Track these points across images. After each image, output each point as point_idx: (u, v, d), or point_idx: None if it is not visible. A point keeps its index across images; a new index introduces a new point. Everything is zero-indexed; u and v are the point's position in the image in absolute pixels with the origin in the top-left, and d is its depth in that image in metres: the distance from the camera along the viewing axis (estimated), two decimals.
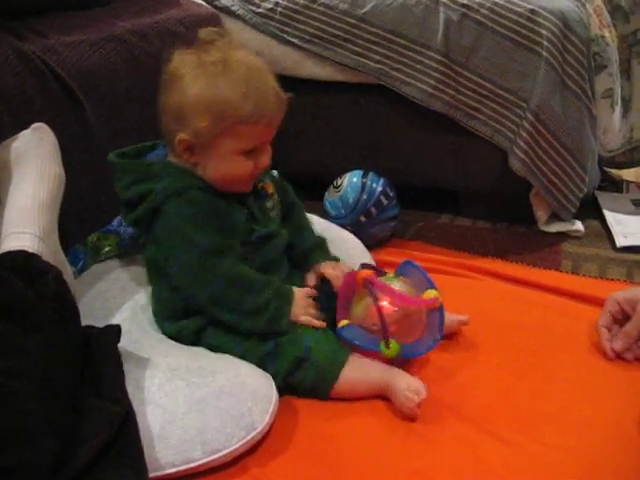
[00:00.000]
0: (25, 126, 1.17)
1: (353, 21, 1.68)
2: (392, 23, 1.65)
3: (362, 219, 1.60)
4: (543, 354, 1.23)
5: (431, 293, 1.17)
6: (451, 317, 1.24)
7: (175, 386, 1.00)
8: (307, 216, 1.36)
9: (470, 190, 1.81)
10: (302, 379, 1.09)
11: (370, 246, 1.52)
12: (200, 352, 1.11)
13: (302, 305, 1.13)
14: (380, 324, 1.10)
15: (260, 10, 1.76)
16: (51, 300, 0.97)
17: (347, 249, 1.40)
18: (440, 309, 1.17)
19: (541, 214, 1.71)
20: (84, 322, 1.11)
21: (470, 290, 1.46)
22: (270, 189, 1.22)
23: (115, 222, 1.30)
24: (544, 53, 1.56)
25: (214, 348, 1.12)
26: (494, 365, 1.20)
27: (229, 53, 1.08)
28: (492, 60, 1.60)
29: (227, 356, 1.10)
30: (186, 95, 1.06)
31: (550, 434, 1.03)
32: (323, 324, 1.13)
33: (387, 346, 1.09)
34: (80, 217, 1.30)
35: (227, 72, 1.05)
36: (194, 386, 1.00)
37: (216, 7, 1.77)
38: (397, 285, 1.17)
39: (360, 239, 1.50)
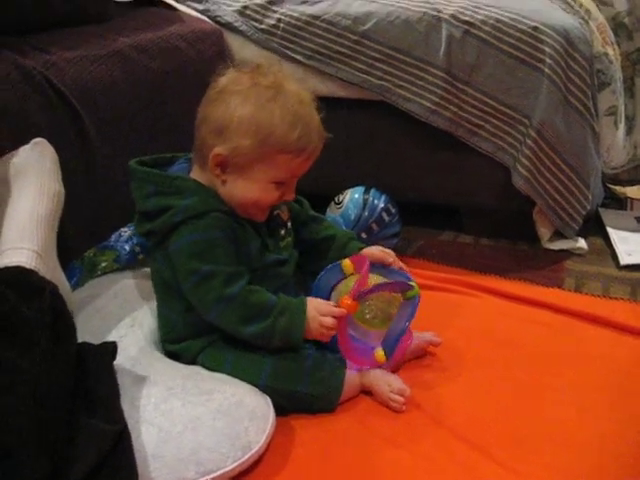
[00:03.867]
0: (25, 141, 1.17)
1: (355, 37, 1.68)
2: (394, 40, 1.65)
3: (363, 236, 1.59)
4: (541, 373, 1.22)
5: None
6: (422, 335, 1.24)
7: (171, 405, 0.99)
8: None
9: (472, 207, 1.80)
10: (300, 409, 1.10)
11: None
12: (198, 371, 1.10)
13: (315, 327, 1.09)
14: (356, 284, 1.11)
15: (262, 26, 1.76)
16: (47, 316, 0.97)
17: None
18: (414, 299, 1.17)
19: (544, 231, 1.70)
20: (81, 338, 1.10)
21: (469, 307, 1.45)
22: (285, 216, 1.21)
23: (112, 238, 1.30)
24: (547, 70, 1.56)
25: (213, 369, 1.10)
26: (490, 383, 1.19)
27: (284, 81, 1.09)
28: (495, 77, 1.60)
29: (223, 375, 1.09)
30: (234, 111, 1.05)
31: (545, 455, 1.01)
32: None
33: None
34: (79, 233, 1.29)
35: (279, 99, 1.06)
36: (190, 405, 0.99)
37: (219, 23, 1.76)
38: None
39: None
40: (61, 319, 1.00)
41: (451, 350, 1.27)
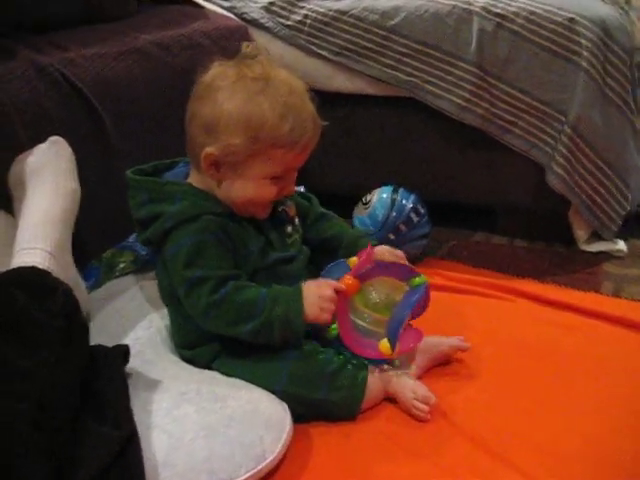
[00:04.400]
0: (42, 139, 1.16)
1: (383, 33, 1.63)
2: (423, 34, 1.60)
3: (391, 237, 1.54)
4: (575, 383, 1.15)
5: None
6: (449, 340, 1.19)
7: (183, 411, 0.96)
8: None
9: (506, 207, 1.75)
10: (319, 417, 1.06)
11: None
12: (213, 376, 1.06)
13: (314, 302, 1.03)
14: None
15: (289, 22, 1.72)
16: (58, 317, 0.95)
17: None
18: (420, 287, 1.12)
19: (581, 233, 1.64)
20: (98, 340, 1.10)
21: (501, 312, 1.39)
22: (292, 212, 1.17)
23: (131, 238, 1.28)
24: (583, 63, 1.49)
25: (228, 375, 1.07)
26: (519, 392, 1.13)
27: (271, 71, 1.04)
28: (528, 71, 1.53)
29: (239, 381, 1.05)
30: (222, 108, 1.01)
31: (576, 474, 0.95)
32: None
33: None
34: (97, 232, 1.28)
35: (267, 91, 1.02)
36: (203, 412, 0.96)
37: (245, 20, 1.74)
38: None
39: None
40: (73, 321, 0.98)
41: (480, 356, 1.21)
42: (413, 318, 1.14)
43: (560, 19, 1.50)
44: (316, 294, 1.03)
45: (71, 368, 0.92)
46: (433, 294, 1.23)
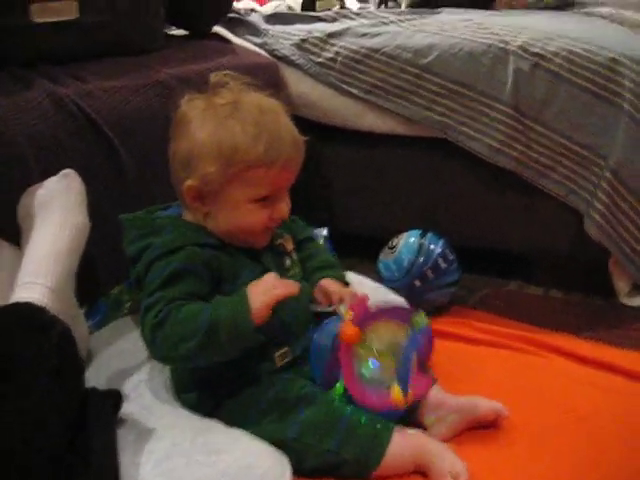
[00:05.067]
0: (55, 172, 1.14)
1: (416, 71, 1.58)
2: (458, 73, 1.54)
3: (417, 283, 1.47)
4: (613, 452, 1.04)
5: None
6: (490, 404, 1.08)
7: (173, 464, 0.90)
8: (351, 274, 1.26)
9: (542, 255, 1.67)
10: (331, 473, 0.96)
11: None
12: (211, 425, 1.00)
13: (258, 292, 0.96)
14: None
15: (320, 60, 1.69)
16: (50, 358, 0.92)
17: None
18: (423, 328, 1.07)
19: (622, 285, 1.54)
20: (97, 380, 1.07)
21: (535, 370, 1.29)
22: (289, 246, 1.12)
23: None
24: (626, 106, 1.41)
25: (232, 423, 1.00)
26: (559, 463, 1.02)
27: (240, 95, 1.01)
28: (567, 113, 1.46)
29: (239, 432, 0.98)
30: (194, 139, 0.99)
31: None
32: (296, 286, 0.98)
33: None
34: (108, 268, 1.24)
35: (237, 113, 0.98)
36: (195, 465, 0.90)
37: (276, 56, 1.71)
38: None
39: (413, 305, 1.36)
40: (67, 361, 0.95)
41: (516, 419, 1.10)
42: (423, 361, 1.07)
43: (601, 59, 1.43)
44: (259, 285, 0.97)
45: (59, 411, 0.88)
46: (460, 346, 1.16)
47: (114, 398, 0.97)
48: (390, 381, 1.01)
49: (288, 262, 1.10)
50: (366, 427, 0.97)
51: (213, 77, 1.04)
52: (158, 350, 0.97)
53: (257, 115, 0.99)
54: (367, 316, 1.03)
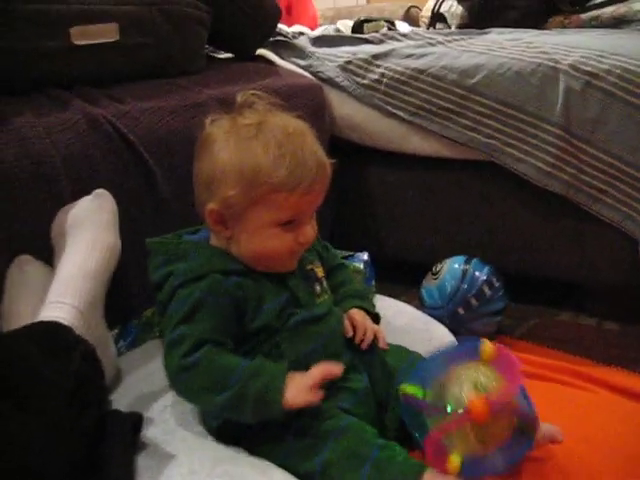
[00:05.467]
0: (88, 192, 1.14)
1: (462, 92, 1.54)
2: (505, 94, 1.49)
3: (460, 311, 1.41)
4: None
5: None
6: (548, 427, 1.02)
7: None
8: (389, 300, 1.23)
9: (595, 284, 1.58)
10: None
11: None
12: (234, 455, 0.95)
13: (299, 391, 0.90)
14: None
15: (365, 81, 1.66)
16: (70, 378, 0.90)
17: (432, 345, 1.21)
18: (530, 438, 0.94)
19: None
20: (126, 402, 1.06)
21: (585, 407, 1.21)
22: (320, 272, 1.07)
23: None
24: None
25: (257, 451, 0.96)
26: None
27: (266, 116, 0.97)
28: (621, 134, 1.39)
29: (265, 463, 0.93)
30: (216, 160, 0.96)
31: None
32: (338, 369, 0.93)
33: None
34: (141, 289, 1.22)
35: (260, 135, 0.94)
36: None
37: (320, 79, 1.70)
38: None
39: (457, 335, 1.29)
40: (87, 382, 0.93)
41: (552, 453, 1.04)
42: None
43: None
44: (302, 379, 0.91)
45: (73, 431, 0.86)
46: None
47: (134, 421, 0.95)
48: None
49: (318, 288, 1.06)
50: (397, 463, 0.91)
51: (240, 97, 1.01)
52: (178, 389, 0.96)
53: (281, 137, 0.95)
54: (503, 404, 0.88)
